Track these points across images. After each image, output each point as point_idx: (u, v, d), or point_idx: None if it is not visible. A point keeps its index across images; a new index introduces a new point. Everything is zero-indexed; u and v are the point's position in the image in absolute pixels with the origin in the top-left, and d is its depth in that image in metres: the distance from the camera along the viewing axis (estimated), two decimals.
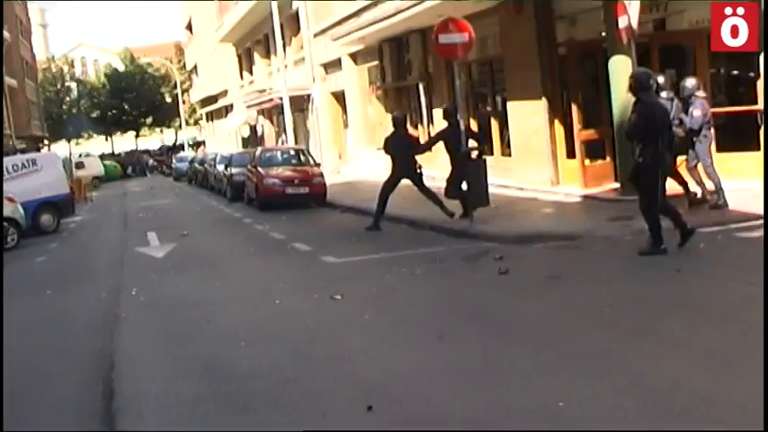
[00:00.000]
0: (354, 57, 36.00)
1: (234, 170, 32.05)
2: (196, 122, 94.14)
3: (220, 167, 36.14)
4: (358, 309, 10.20)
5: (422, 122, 30.05)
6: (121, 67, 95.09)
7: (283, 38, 39.70)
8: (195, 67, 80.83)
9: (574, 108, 19.98)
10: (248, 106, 52.79)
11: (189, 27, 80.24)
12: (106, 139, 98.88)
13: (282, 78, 37.73)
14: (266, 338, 9.19)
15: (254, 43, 55.93)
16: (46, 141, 74.25)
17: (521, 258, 12.77)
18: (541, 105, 20.99)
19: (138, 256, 17.72)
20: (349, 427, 6.19)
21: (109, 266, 16.72)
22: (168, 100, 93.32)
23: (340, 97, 39.81)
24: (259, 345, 8.91)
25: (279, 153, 29.90)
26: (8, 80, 62.95)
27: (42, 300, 13.33)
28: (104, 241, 21.86)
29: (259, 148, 30.84)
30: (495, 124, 24.39)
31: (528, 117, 21.54)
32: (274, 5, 37.19)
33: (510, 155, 23.05)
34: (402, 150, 18.31)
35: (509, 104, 22.66)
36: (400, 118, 19.40)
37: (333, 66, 39.05)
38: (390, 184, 18.42)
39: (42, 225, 25.67)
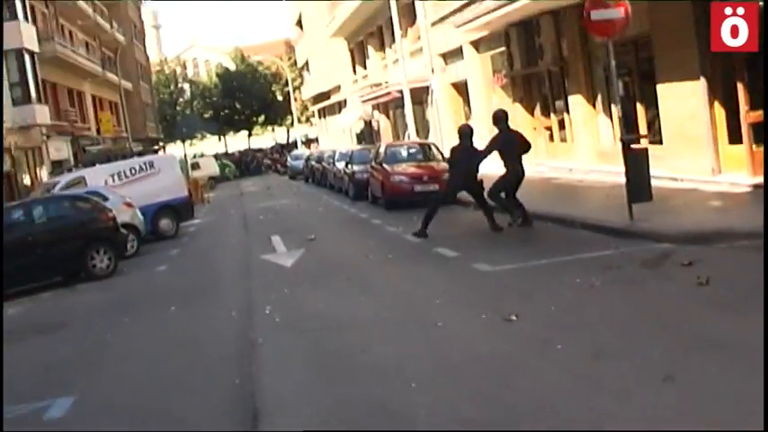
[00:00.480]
0: (477, 44, 34.23)
1: (355, 167, 30.60)
2: (308, 120, 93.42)
3: (340, 165, 34.72)
4: (541, 334, 8.46)
5: (555, 111, 28.17)
6: (233, 67, 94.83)
7: (400, 28, 38.21)
8: (306, 63, 79.90)
9: (740, 87, 17.97)
10: (363, 101, 51.40)
11: (299, 23, 79.34)
12: (219, 139, 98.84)
13: (402, 70, 36.18)
14: (439, 377, 7.51)
15: (366, 36, 54.55)
16: (161, 143, 74.21)
17: (712, 263, 10.84)
18: (699, 86, 18.93)
19: (265, 264, 16.32)
20: None
21: (235, 277, 15.41)
22: (280, 98, 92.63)
23: (461, 88, 38.12)
24: (433, 386, 7.24)
25: (405, 148, 28.26)
26: (124, 83, 63.02)
27: (167, 318, 12.04)
28: (226, 247, 20.56)
29: (383, 144, 29.27)
30: (641, 110, 22.40)
31: (683, 100, 19.50)
32: None
33: (660, 142, 21.01)
34: (465, 163, 17.87)
35: (659, 87, 20.60)
36: (467, 130, 18.58)
37: (453, 55, 37.38)
38: (448, 195, 18.88)
39: (162, 230, 24.59)
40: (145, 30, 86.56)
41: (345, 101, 64.09)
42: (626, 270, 11.21)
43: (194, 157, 59.93)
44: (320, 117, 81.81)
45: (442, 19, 36.68)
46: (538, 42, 27.39)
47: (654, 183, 20.05)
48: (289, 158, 59.86)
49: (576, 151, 25.92)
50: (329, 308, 11.28)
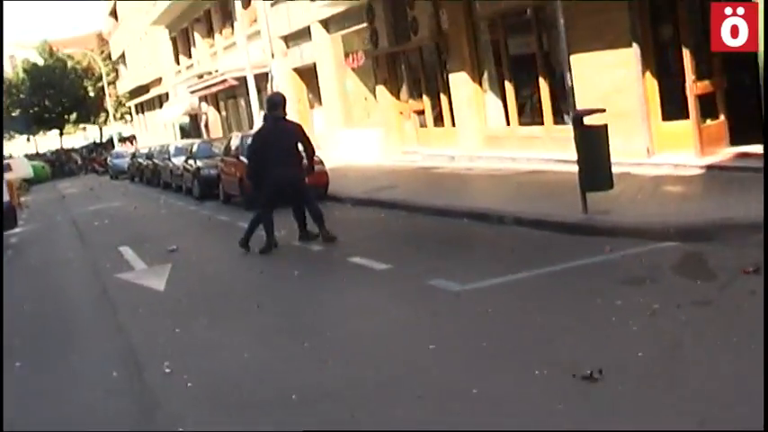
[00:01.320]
0: (326, 23, 30.88)
1: (200, 163, 26.77)
2: (122, 117, 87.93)
3: (178, 161, 30.69)
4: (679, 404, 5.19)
5: (428, 93, 25.09)
6: (41, 62, 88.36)
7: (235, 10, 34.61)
8: (123, 56, 74.67)
9: (686, 54, 15.32)
10: (192, 92, 47.25)
11: (113, 14, 74.13)
12: (28, 140, 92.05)
13: (245, 53, 32.52)
14: None
15: (192, 23, 50.47)
16: None
17: None
18: (630, 54, 16.19)
19: (127, 288, 12.48)
20: None
21: (92, 309, 11.51)
22: (92, 94, 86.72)
23: (305, 73, 34.76)
24: None
25: None
26: None
27: (12, 385, 8.01)
28: (66, 264, 16.39)
29: (238, 134, 25.48)
30: (544, 86, 19.53)
31: (607, 71, 16.71)
32: None
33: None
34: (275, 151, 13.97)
35: (573, 58, 17.67)
36: (276, 100, 14.38)
37: (296, 37, 33.96)
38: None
39: None
40: None
41: (167, 94, 59.66)
42: (665, 283, 8.14)
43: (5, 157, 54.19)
44: (138, 113, 76.78)
45: None
46: (410, 15, 24.11)
47: (570, 168, 17.47)
48: (109, 157, 54.94)
49: (459, 136, 22.89)
50: (259, 360, 7.69)
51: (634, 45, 16.08)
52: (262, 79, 35.94)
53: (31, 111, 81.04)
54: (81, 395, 7.46)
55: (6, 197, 20.86)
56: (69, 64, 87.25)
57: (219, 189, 24.00)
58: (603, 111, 12.89)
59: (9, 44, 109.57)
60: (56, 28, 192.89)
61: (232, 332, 8.80)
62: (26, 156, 59.41)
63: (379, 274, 10.75)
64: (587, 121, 12.51)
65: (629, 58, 16.21)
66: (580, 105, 16.92)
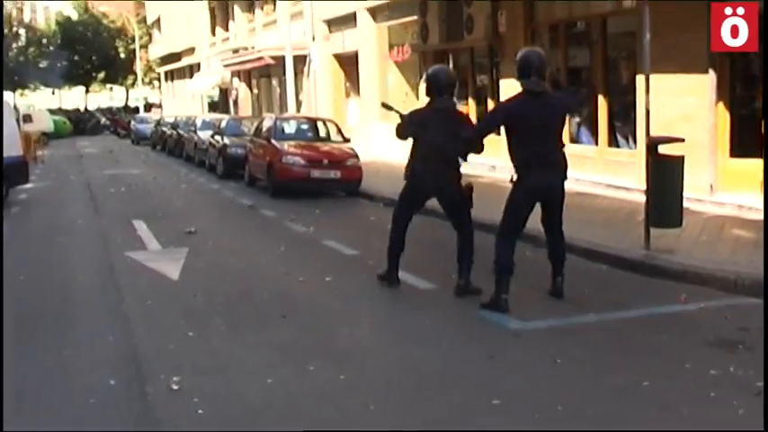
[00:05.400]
0: (374, 12, 29.68)
1: (227, 140, 25.60)
2: (150, 82, 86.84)
3: (204, 135, 29.49)
4: None
5: (474, 96, 23.86)
6: (75, 16, 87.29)
7: None
8: (158, 20, 73.51)
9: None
10: (226, 65, 46.06)
11: None
12: (53, 93, 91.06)
13: (287, 33, 31.37)
14: None
15: None
16: None
17: None
18: (705, 81, 14.96)
19: (137, 270, 11.33)
20: None
21: (95, 293, 10.23)
22: (123, 55, 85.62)
23: (345, 60, 33.58)
24: None
25: (297, 124, 23.40)
26: None
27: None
28: (74, 232, 15.20)
29: (271, 116, 24.29)
30: (602, 103, 18.30)
31: (677, 96, 15.47)
32: None
33: (635, 146, 16.94)
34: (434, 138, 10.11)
35: (640, 78, 16.48)
36: (444, 78, 9.98)
37: (341, 23, 32.79)
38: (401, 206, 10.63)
39: None
40: None
41: (199, 65, 58.54)
42: (759, 351, 6.86)
43: (27, 108, 53.02)
44: (167, 80, 75.63)
45: None
46: (466, 13, 22.81)
47: (620, 195, 16.39)
48: (133, 121, 53.82)
49: (503, 146, 21.43)
50: (286, 388, 6.47)
51: (710, 71, 14.84)
52: (299, 62, 34.79)
53: (59, 64, 79.92)
54: (68, 404, 6.28)
55: (19, 151, 19.68)
56: (104, 22, 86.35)
57: (246, 170, 22.85)
58: (682, 140, 11.68)
59: None
60: None
61: (254, 346, 7.58)
62: (49, 110, 57.90)
63: (424, 295, 9.55)
64: (661, 149, 11.33)
65: (703, 84, 14.98)
66: (641, 130, 15.82)
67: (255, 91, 47.53)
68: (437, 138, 9.40)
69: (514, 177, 8.84)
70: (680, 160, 11.18)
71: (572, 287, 9.27)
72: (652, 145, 11.29)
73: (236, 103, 50.16)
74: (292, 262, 11.74)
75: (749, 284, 9.39)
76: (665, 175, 11.15)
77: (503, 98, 21.08)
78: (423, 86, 10.03)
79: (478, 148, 9.27)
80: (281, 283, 10.30)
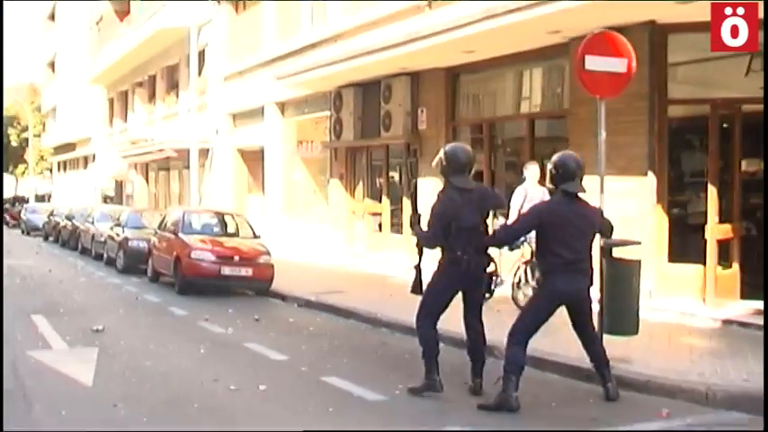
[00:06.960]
0: (283, 106, 29.15)
1: (128, 233, 24.56)
2: (42, 171, 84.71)
3: (102, 227, 28.33)
4: None
5: (389, 195, 23.29)
6: None
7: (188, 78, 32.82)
8: (53, 109, 72.00)
9: (711, 192, 13.84)
10: (124, 156, 44.95)
11: (52, 65, 71.68)
12: None
13: (192, 126, 30.68)
14: None
15: (134, 86, 48.38)
16: None
17: None
18: (646, 185, 14.65)
19: (43, 373, 10.17)
20: None
21: None
22: (15, 144, 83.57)
23: (249, 155, 32.84)
24: None
25: (207, 217, 22.52)
26: None
27: None
28: None
29: (180, 209, 23.39)
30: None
31: (615, 199, 15.10)
32: (193, 37, 30.26)
33: None
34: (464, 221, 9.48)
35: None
36: (464, 157, 9.43)
37: (247, 116, 32.20)
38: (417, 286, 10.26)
39: None
40: None
41: (94, 156, 57.16)
42: None
43: None
44: (60, 170, 73.80)
45: (242, 73, 31.53)
46: (384, 110, 22.28)
47: None
48: (24, 211, 52.09)
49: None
50: None
51: (649, 173, 14.57)
52: (202, 155, 33.95)
53: None
54: None
55: None
56: None
57: (149, 265, 21.82)
58: (639, 243, 11.23)
59: None
60: None
61: None
62: None
63: (373, 408, 8.69)
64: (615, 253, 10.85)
65: (642, 187, 14.67)
66: None
67: (153, 184, 46.41)
68: (471, 220, 9.10)
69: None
70: (637, 265, 10.65)
71: (538, 402, 8.62)
72: (607, 248, 10.76)
73: (131, 196, 48.93)
74: (217, 366, 10.73)
75: (721, 398, 8.91)
76: (620, 280, 10.61)
77: (420, 197, 20.70)
78: (436, 165, 9.44)
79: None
80: (210, 392, 9.29)
